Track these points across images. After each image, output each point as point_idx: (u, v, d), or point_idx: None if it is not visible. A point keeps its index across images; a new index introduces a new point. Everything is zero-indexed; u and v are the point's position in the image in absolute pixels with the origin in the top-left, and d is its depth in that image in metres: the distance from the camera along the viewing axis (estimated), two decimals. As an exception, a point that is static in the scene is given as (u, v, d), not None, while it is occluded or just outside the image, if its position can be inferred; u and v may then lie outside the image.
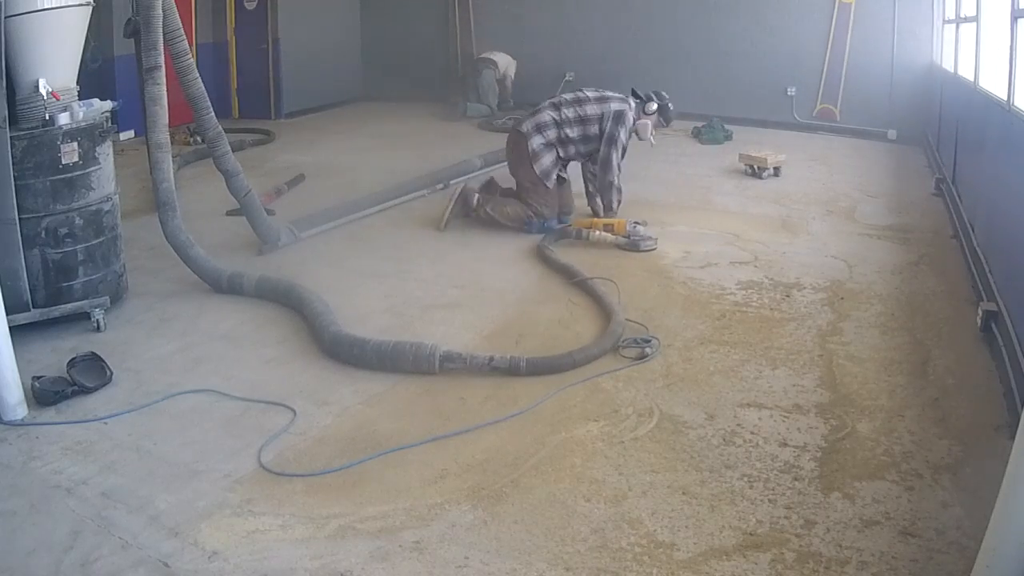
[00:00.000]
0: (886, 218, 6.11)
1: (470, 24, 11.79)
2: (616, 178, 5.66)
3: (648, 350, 3.78)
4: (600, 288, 4.47)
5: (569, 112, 5.61)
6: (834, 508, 2.67)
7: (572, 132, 5.60)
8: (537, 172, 5.59)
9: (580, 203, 6.03)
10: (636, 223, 5.49)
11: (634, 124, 5.68)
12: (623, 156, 5.67)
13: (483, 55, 10.62)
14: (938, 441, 3.06)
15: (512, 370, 3.59)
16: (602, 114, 5.59)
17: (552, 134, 5.60)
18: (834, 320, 4.21)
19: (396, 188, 6.66)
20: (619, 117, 5.55)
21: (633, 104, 5.69)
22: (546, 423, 3.23)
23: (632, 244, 5.32)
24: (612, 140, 5.56)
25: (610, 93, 5.73)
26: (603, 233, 5.44)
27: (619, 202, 5.78)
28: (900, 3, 8.98)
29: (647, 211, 6.09)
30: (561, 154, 5.67)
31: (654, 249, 5.31)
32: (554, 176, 5.67)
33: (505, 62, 10.57)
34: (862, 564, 2.41)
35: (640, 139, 5.79)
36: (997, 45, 4.98)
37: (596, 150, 5.65)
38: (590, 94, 5.72)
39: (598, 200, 5.85)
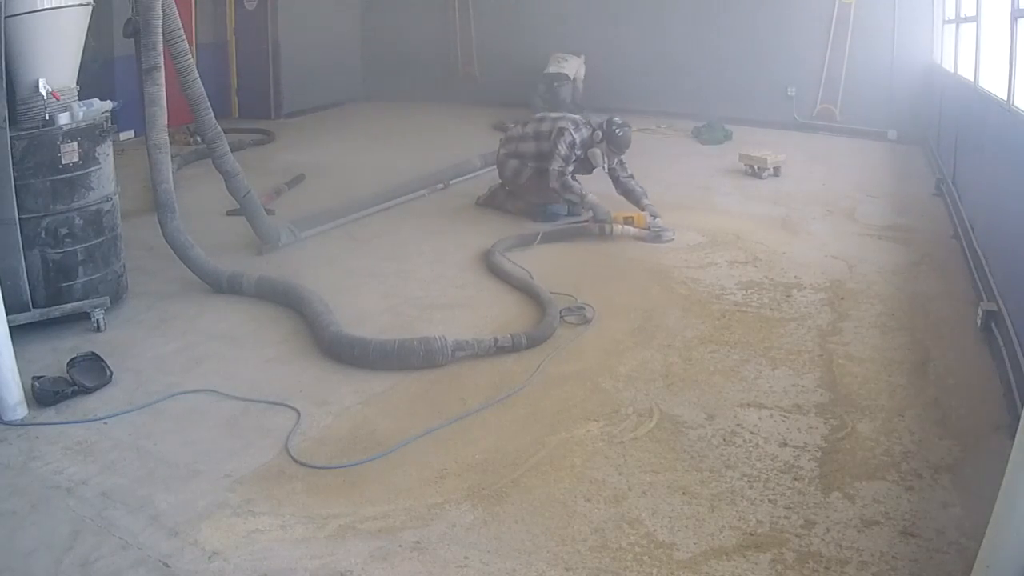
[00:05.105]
0: (886, 218, 6.11)
1: (470, 24, 11.79)
2: (566, 187, 5.83)
3: (587, 314, 4.21)
4: (520, 275, 4.79)
5: (529, 128, 6.09)
6: (834, 508, 2.67)
7: (527, 147, 6.02)
8: (508, 175, 6.16)
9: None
10: (655, 216, 5.70)
11: (584, 151, 5.86)
12: (569, 167, 5.83)
13: (550, 70, 10.24)
14: (938, 441, 3.06)
15: (515, 346, 3.80)
16: (550, 131, 5.90)
17: (512, 147, 6.13)
18: (834, 320, 4.21)
19: (396, 188, 6.67)
20: (560, 133, 5.84)
21: (586, 132, 5.87)
22: (546, 423, 3.23)
23: (654, 236, 5.55)
24: (553, 152, 5.84)
25: (573, 116, 6.07)
26: (624, 227, 5.62)
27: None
28: (900, 3, 8.97)
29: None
30: (520, 164, 6.06)
31: (673, 240, 5.53)
32: (524, 177, 6.04)
33: (575, 67, 10.37)
34: (862, 564, 2.41)
35: (593, 166, 5.90)
36: (997, 45, 4.98)
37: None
38: (552, 115, 6.15)
39: (643, 201, 5.92)
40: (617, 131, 5.77)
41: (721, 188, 7.06)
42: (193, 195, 6.36)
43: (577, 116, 6.08)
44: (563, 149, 5.77)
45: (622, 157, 5.90)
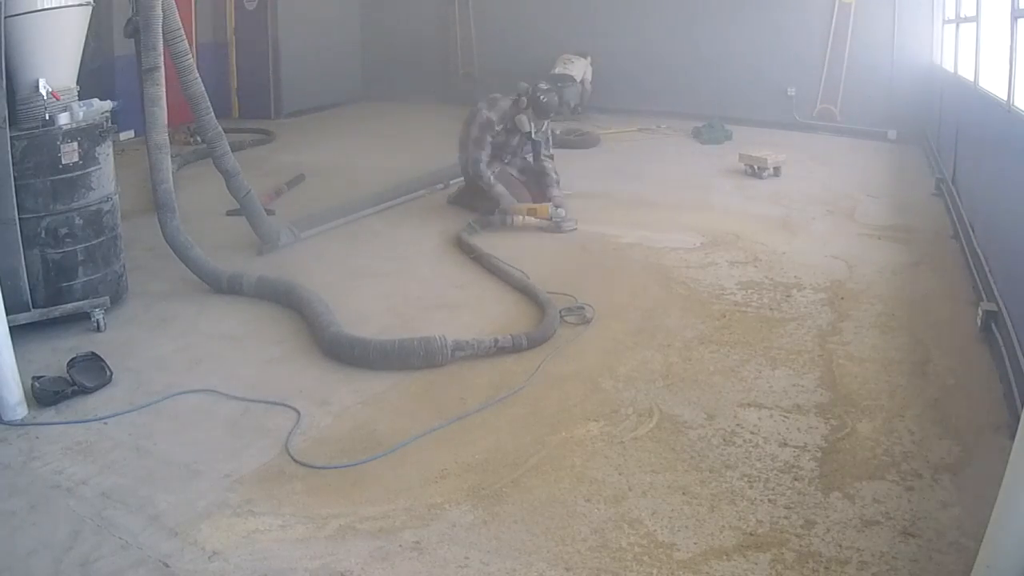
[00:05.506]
0: (886, 218, 6.11)
1: (470, 24, 11.78)
2: (478, 174, 5.94)
3: (587, 314, 4.22)
4: (511, 272, 4.80)
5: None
6: (834, 508, 2.67)
7: (462, 134, 6.15)
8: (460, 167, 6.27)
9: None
10: (557, 207, 5.82)
11: (511, 120, 5.98)
12: (484, 150, 5.94)
13: (557, 71, 10.12)
14: (938, 441, 3.06)
15: (515, 346, 3.80)
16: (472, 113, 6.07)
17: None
18: (834, 320, 4.21)
19: (396, 188, 6.67)
20: (473, 115, 5.99)
21: (505, 104, 6.00)
22: (546, 423, 3.23)
23: (555, 226, 5.72)
24: (466, 138, 5.99)
25: (492, 95, 6.14)
26: (527, 218, 5.80)
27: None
28: (900, 3, 8.98)
29: (647, 211, 6.10)
30: (463, 157, 6.16)
31: (575, 230, 5.70)
32: (490, 171, 6.08)
33: (582, 69, 10.32)
34: (862, 564, 2.41)
35: (522, 132, 6.02)
36: (997, 45, 4.98)
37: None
38: (490, 96, 6.20)
39: (551, 190, 6.07)
40: (541, 97, 5.93)
41: (721, 188, 7.05)
42: (193, 195, 6.35)
43: (496, 93, 6.16)
44: (475, 131, 5.91)
45: (548, 136, 6.11)
